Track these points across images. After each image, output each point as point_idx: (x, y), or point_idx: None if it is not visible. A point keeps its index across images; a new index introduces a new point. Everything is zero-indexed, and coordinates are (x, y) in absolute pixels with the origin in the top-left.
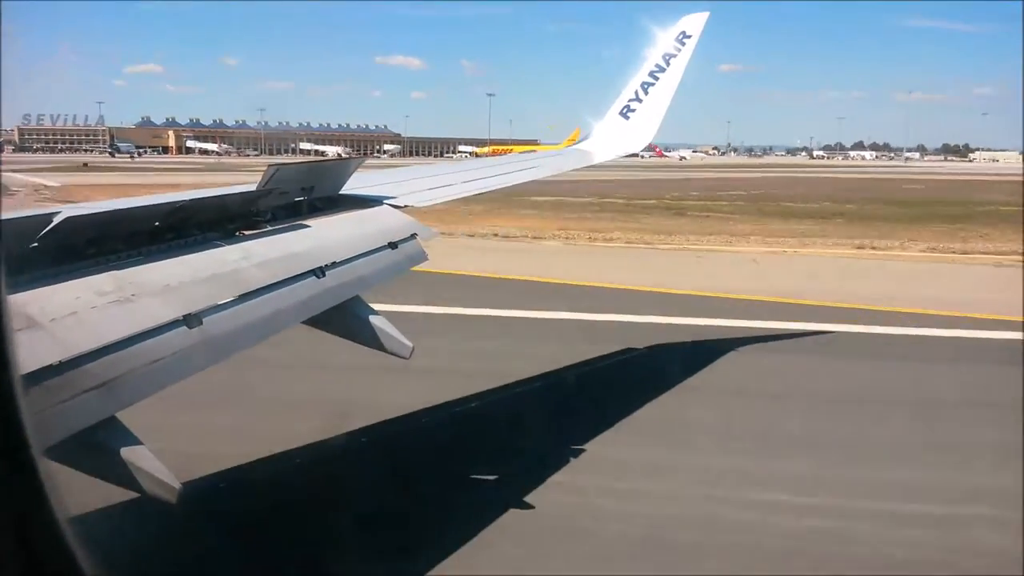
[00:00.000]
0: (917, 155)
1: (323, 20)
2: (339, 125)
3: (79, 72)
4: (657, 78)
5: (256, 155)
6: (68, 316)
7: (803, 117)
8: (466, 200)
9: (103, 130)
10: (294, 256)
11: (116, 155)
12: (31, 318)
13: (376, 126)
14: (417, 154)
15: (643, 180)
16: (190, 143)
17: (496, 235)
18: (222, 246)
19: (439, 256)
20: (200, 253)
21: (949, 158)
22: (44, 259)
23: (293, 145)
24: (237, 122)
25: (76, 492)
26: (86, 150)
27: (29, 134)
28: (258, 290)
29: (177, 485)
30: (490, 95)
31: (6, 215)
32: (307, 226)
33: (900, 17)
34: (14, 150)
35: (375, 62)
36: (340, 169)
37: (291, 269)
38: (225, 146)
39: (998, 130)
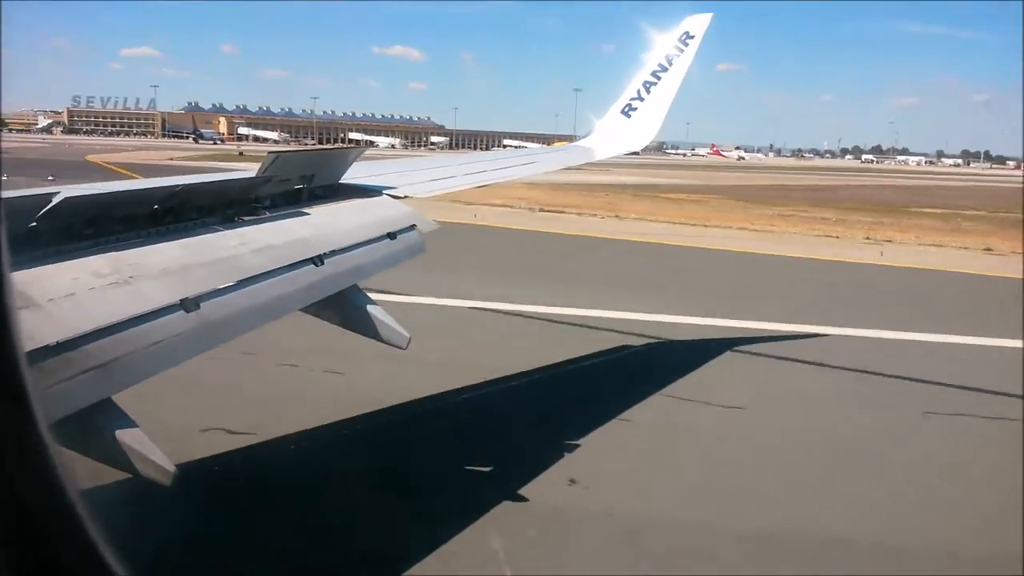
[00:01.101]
0: (960, 161)
1: (321, 10)
2: (382, 116)
3: (73, 54)
4: (659, 78)
5: (314, 144)
6: (66, 297)
7: (795, 119)
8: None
9: (155, 114)
10: (293, 243)
11: (199, 141)
12: (29, 298)
13: (419, 117)
14: (464, 146)
15: (807, 186)
16: (242, 130)
17: None
18: (221, 231)
19: None
20: (199, 237)
21: (993, 166)
22: (42, 239)
23: (342, 135)
24: (282, 110)
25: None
26: (138, 133)
27: (78, 116)
28: (256, 276)
29: (172, 468)
30: (577, 90)
31: (4, 194)
32: (307, 214)
33: (897, 23)
34: (63, 131)
35: (372, 52)
36: (341, 158)
37: (290, 256)
38: (284, 135)
39: (993, 136)
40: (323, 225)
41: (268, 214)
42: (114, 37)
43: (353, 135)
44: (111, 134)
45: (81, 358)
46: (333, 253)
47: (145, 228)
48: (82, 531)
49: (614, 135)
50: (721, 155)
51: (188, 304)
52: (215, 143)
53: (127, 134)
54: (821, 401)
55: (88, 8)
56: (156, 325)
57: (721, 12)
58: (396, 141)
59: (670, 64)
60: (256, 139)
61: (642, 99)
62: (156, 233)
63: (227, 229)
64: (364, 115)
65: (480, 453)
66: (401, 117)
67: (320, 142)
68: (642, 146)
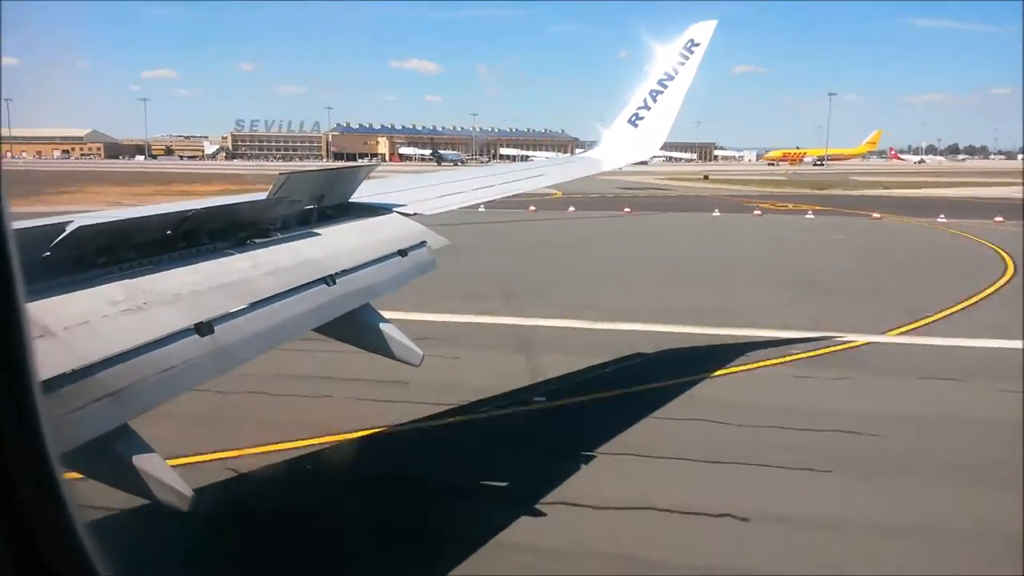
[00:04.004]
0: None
1: (340, 24)
2: (516, 130)
3: (94, 78)
4: (665, 86)
5: (487, 161)
6: (80, 325)
7: (809, 119)
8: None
9: (319, 137)
10: (305, 264)
11: (441, 164)
12: (45, 327)
13: (547, 130)
14: None
15: None
16: (404, 150)
17: None
18: (233, 254)
19: None
20: (211, 261)
21: None
22: (56, 268)
23: (493, 150)
24: (424, 128)
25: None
26: (302, 157)
27: (242, 141)
28: (269, 298)
29: (189, 493)
30: (832, 95)
31: (18, 224)
32: (317, 234)
33: (909, 17)
34: (226, 157)
35: (390, 66)
36: (351, 177)
37: (302, 277)
38: (462, 154)
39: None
40: (334, 245)
41: (280, 236)
42: (134, 59)
43: (505, 151)
44: (282, 158)
45: (97, 385)
46: (344, 272)
47: (158, 254)
48: (85, 557)
49: (621, 145)
50: (900, 158)
51: (202, 328)
52: (456, 164)
53: (291, 158)
54: None
55: (107, 30)
56: (170, 350)
57: (736, 14)
58: (556, 155)
59: (676, 72)
60: (424, 159)
61: (648, 108)
62: (169, 259)
63: (239, 252)
64: (497, 130)
65: None
66: (533, 131)
67: (492, 159)
68: (649, 155)
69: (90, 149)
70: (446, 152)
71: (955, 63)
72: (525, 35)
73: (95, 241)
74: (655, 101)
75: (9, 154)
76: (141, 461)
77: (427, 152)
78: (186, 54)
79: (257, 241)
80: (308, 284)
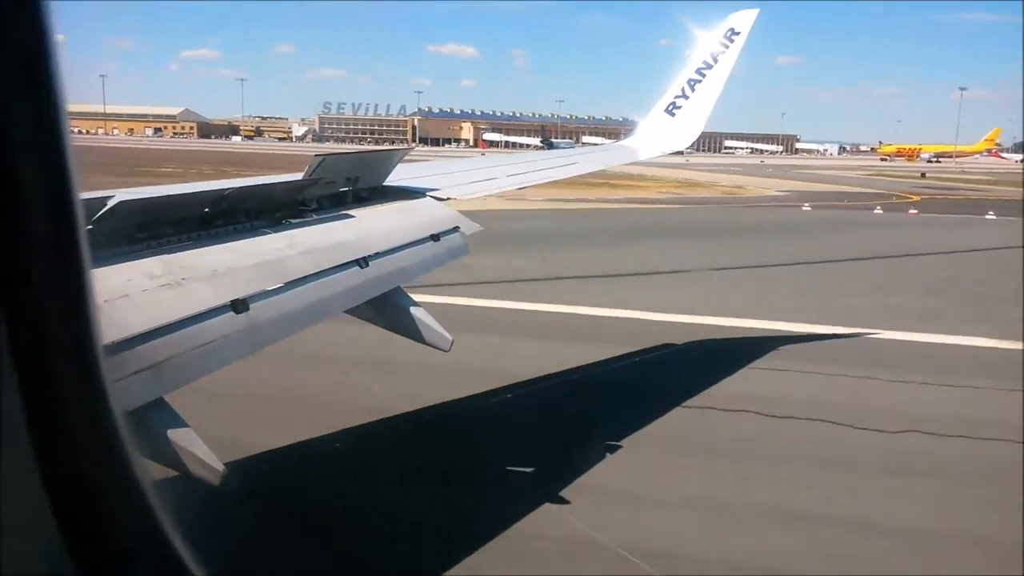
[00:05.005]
0: None
1: (377, 10)
2: (590, 117)
3: (134, 56)
4: (704, 75)
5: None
6: (121, 298)
7: (849, 111)
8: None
9: (405, 121)
10: (338, 245)
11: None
12: None
13: (624, 118)
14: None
15: None
16: (488, 136)
17: None
18: (268, 233)
19: None
20: (247, 240)
21: None
22: (98, 241)
23: (573, 138)
24: (502, 114)
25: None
26: (391, 141)
27: (328, 123)
28: (303, 278)
29: (220, 467)
30: (962, 88)
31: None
32: (352, 216)
33: (955, 11)
34: (313, 139)
35: (427, 50)
36: (386, 160)
37: (335, 258)
38: (568, 141)
39: None
40: (368, 227)
41: (314, 216)
42: (174, 38)
43: (588, 139)
44: (373, 141)
45: (135, 358)
46: (378, 255)
47: (196, 231)
48: (152, 518)
49: (658, 134)
50: (1002, 157)
51: (238, 305)
52: None
53: (378, 141)
54: None
55: (151, 8)
56: (207, 326)
57: (778, 5)
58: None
59: (715, 61)
60: (507, 145)
61: (686, 97)
62: (206, 236)
63: (274, 232)
64: (575, 117)
65: None
66: (611, 119)
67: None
68: (686, 145)
69: (183, 128)
70: (558, 140)
71: (983, 56)
72: (562, 24)
73: (136, 216)
74: (693, 90)
75: (101, 130)
76: (175, 435)
77: (511, 138)
78: (226, 35)
79: (292, 221)
80: (341, 265)
